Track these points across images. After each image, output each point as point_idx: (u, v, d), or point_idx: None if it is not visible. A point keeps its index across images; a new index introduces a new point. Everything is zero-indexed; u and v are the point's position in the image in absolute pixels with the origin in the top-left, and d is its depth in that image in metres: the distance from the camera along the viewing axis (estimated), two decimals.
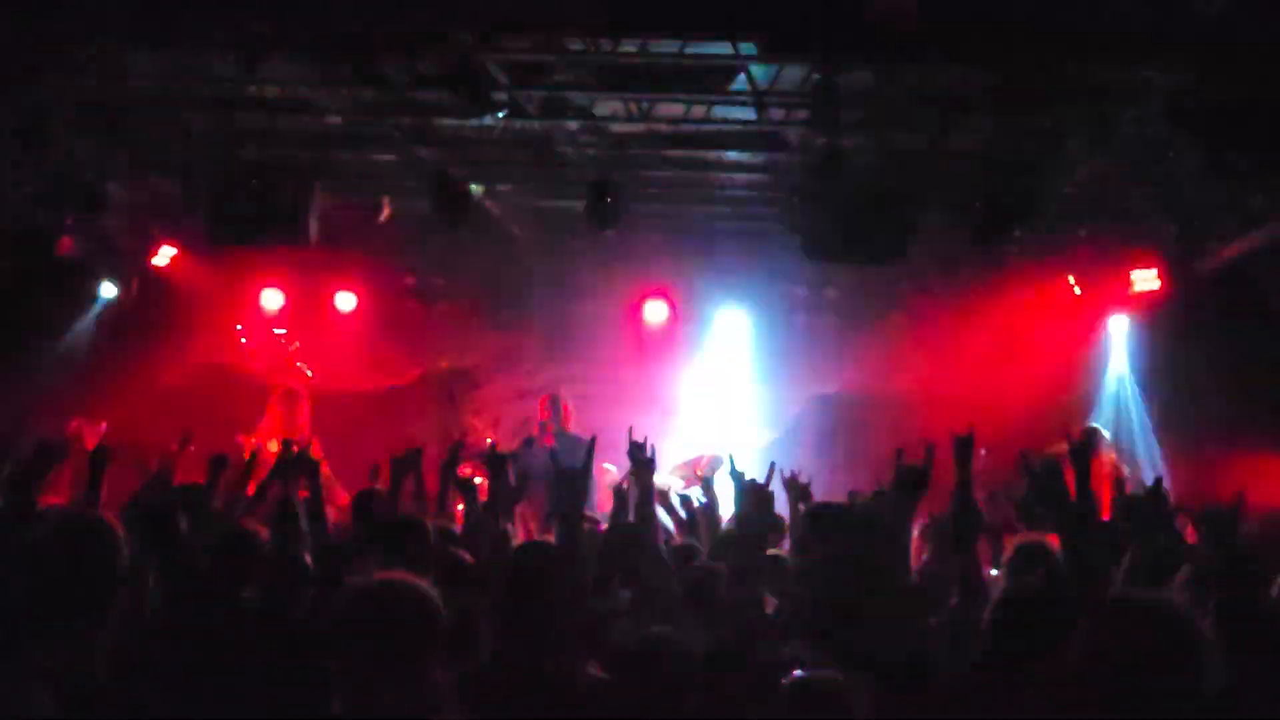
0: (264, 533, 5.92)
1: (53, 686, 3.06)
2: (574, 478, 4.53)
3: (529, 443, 11.48)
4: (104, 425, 10.51)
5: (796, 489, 7.54)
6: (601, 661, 4.17)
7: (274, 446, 11.22)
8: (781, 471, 7.61)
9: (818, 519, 5.56)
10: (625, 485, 7.03)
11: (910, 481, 4.72)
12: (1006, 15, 8.36)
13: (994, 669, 4.08)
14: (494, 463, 7.10)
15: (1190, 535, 8.06)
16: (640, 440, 7.24)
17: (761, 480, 5.92)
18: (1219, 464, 11.85)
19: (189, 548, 5.24)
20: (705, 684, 4.02)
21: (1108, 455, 10.75)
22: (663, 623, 4.29)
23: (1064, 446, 4.83)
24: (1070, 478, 4.45)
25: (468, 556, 5.74)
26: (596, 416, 11.75)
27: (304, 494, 6.98)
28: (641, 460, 7.24)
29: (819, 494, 7.90)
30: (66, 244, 14.05)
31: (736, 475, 6.18)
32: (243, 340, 15.12)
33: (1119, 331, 14.95)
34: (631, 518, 6.92)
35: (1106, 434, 11.66)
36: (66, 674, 3.10)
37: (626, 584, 5.82)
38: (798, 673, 4.29)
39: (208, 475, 6.68)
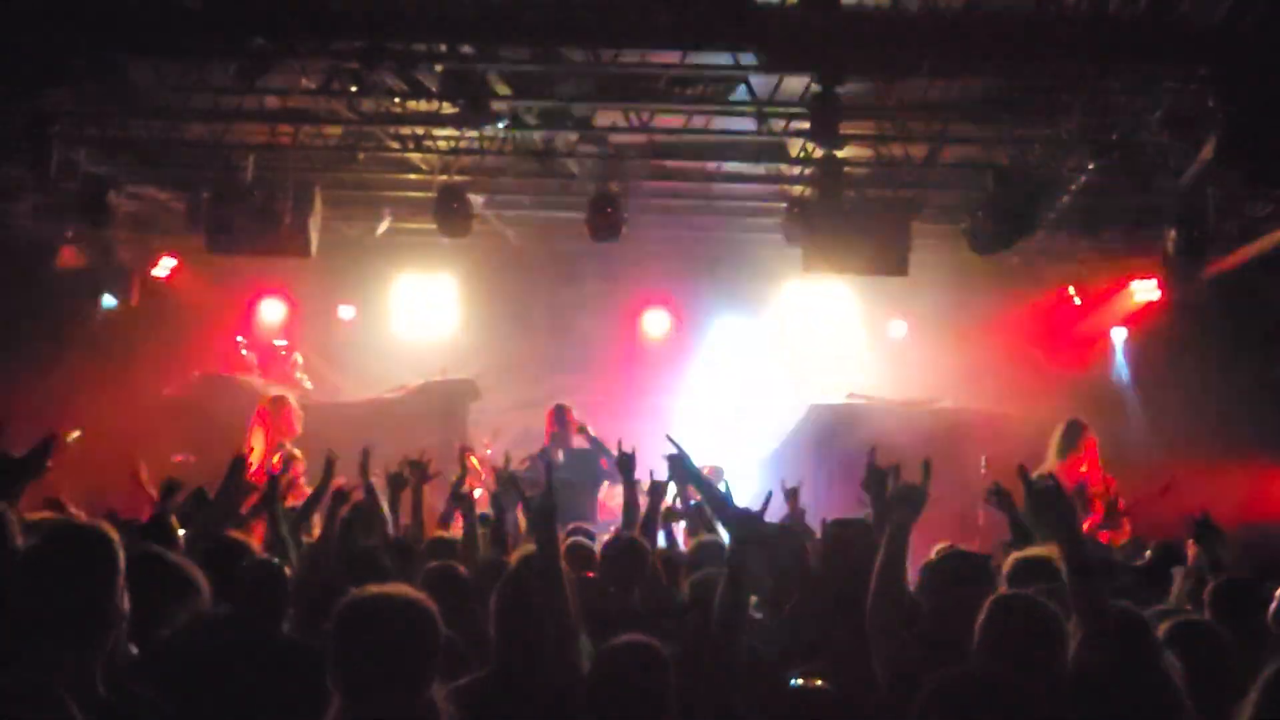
0: (255, 544, 5.92)
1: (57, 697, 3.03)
2: (543, 499, 4.46)
3: (542, 454, 11.41)
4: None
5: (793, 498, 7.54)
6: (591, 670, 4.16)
7: (257, 454, 11.23)
8: (783, 483, 7.61)
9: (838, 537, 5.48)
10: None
11: (909, 500, 4.63)
12: (1007, 25, 8.38)
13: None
14: (503, 481, 7.12)
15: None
16: (630, 451, 7.24)
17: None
18: (1219, 473, 11.83)
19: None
20: (685, 688, 4.00)
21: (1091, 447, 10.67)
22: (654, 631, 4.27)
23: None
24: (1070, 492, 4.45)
25: (463, 570, 5.73)
26: (596, 427, 11.73)
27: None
28: (629, 473, 7.26)
29: (816, 502, 7.89)
30: (67, 255, 14.07)
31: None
32: (243, 351, 15.10)
33: (1119, 341, 14.96)
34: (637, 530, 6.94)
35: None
36: (65, 686, 3.07)
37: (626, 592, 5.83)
38: (794, 682, 4.30)
39: (220, 486, 6.71)
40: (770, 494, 4.99)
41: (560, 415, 11.48)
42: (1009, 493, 7.25)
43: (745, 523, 4.59)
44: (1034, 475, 4.97)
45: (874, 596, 4.41)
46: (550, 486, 4.45)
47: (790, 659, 4.60)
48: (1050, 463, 10.08)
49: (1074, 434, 10.52)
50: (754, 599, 5.57)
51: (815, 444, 13.23)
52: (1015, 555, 5.25)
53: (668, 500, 7.59)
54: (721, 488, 5.51)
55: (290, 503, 7.49)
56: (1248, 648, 4.54)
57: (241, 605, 4.78)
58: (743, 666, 4.30)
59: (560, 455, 11.37)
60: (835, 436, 12.58)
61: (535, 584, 4.30)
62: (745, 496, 6.00)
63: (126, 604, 3.36)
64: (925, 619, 4.52)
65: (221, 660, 4.43)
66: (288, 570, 5.22)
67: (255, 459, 10.29)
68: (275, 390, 13.16)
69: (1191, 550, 6.43)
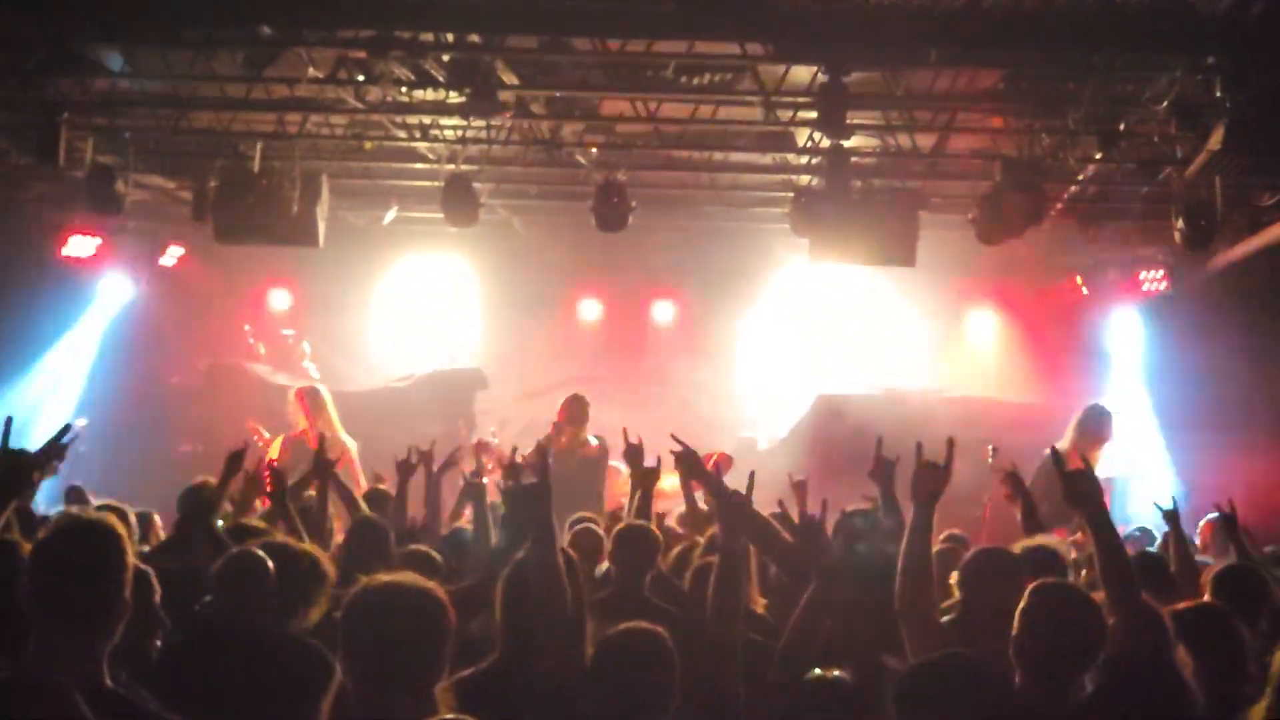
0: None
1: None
2: (534, 487, 4.39)
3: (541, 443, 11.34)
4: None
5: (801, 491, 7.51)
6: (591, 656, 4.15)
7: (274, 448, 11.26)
8: (790, 475, 7.59)
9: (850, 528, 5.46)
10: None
11: (933, 480, 4.61)
12: (1013, 15, 8.37)
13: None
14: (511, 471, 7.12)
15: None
16: (636, 442, 7.22)
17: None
18: (1226, 461, 11.83)
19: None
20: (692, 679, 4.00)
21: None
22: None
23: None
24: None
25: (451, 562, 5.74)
26: (603, 416, 11.72)
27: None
28: (638, 464, 7.25)
29: (823, 492, 7.85)
30: (75, 243, 14.08)
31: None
32: (250, 340, 15.15)
33: (1126, 330, 14.94)
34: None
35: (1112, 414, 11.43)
36: (72, 679, 3.07)
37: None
38: (816, 673, 4.29)
39: (221, 476, 6.71)
40: (753, 474, 4.91)
41: (573, 405, 11.35)
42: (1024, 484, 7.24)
43: (735, 508, 4.56)
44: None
45: (902, 577, 4.40)
46: (545, 474, 4.38)
47: (808, 650, 4.57)
48: (1067, 441, 10.03)
49: (1100, 420, 10.53)
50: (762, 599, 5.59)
51: (823, 433, 13.22)
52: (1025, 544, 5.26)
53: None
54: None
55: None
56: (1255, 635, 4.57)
57: (224, 597, 4.69)
58: (741, 654, 4.28)
59: (563, 445, 11.31)
60: (842, 425, 12.57)
61: (533, 573, 4.27)
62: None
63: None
64: (959, 611, 4.54)
65: (213, 653, 4.38)
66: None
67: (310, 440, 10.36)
68: (288, 381, 13.23)
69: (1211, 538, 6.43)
